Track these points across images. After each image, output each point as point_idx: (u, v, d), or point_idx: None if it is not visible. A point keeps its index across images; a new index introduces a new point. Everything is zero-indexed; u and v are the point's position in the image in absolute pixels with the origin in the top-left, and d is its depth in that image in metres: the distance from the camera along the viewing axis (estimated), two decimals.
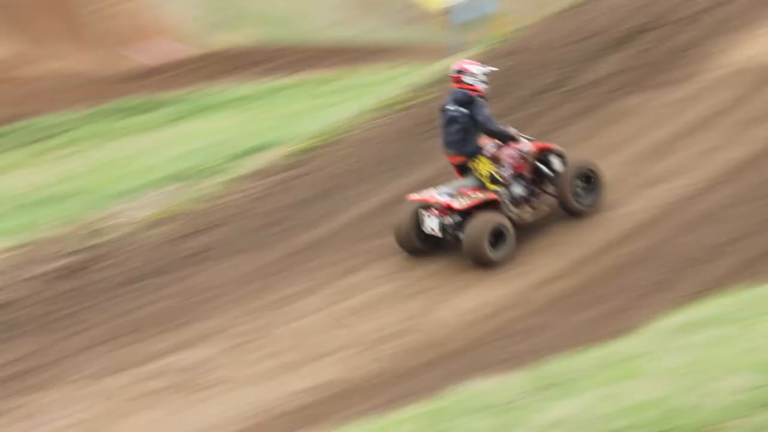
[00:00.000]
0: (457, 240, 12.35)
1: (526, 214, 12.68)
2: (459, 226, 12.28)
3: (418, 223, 12.53)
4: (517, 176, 12.67)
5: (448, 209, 12.25)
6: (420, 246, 12.70)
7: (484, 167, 12.37)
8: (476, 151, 12.43)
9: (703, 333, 6.85)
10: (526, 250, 12.74)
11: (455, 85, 12.52)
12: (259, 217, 15.07)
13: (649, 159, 14.12)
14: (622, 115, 15.30)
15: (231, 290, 13.22)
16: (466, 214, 12.23)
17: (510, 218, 12.40)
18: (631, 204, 13.15)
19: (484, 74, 12.61)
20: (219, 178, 16.53)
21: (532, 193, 12.82)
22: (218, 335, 12.24)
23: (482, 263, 12.21)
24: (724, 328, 6.80)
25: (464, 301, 12.04)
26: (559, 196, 12.70)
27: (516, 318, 11.44)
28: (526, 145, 12.74)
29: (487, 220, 12.11)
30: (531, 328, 10.99)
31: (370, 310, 12.23)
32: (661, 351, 6.63)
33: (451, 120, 12.40)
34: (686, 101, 15.20)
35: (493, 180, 12.40)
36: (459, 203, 12.20)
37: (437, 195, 12.38)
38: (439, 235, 12.40)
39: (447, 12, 28.58)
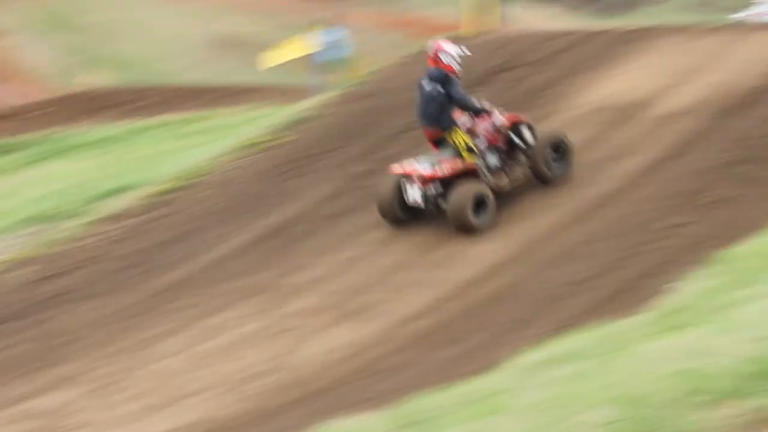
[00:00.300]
0: (439, 209, 12.96)
1: (503, 182, 13.38)
2: (441, 195, 12.86)
3: (400, 194, 13.07)
4: (492, 147, 13.32)
5: (430, 179, 12.78)
6: (402, 216, 13.31)
7: (460, 139, 12.92)
8: (452, 125, 12.97)
9: (562, 369, 6.94)
10: (390, 288, 12.84)
11: (432, 64, 13.13)
12: (119, 259, 14.89)
13: (508, 198, 14.29)
14: None
15: (91, 333, 12.99)
16: (448, 183, 12.78)
17: (489, 186, 13.04)
18: (491, 242, 13.30)
19: (459, 55, 13.22)
20: (78, 220, 16.30)
21: (505, 164, 13.47)
22: (79, 378, 11.98)
23: (466, 230, 12.84)
24: (582, 363, 6.90)
25: (329, 339, 12.03)
26: (534, 166, 13.43)
27: (380, 356, 11.45)
28: (499, 118, 13.36)
29: (469, 189, 12.72)
30: (395, 367, 11.00)
31: (233, 350, 12.14)
32: (523, 387, 6.69)
33: (427, 96, 12.99)
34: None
35: (470, 150, 12.96)
36: (441, 171, 12.77)
37: (419, 166, 12.91)
38: (422, 205, 12.99)
39: (310, 54, 28.68)
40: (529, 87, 17.26)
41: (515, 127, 13.60)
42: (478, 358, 10.00)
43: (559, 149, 13.61)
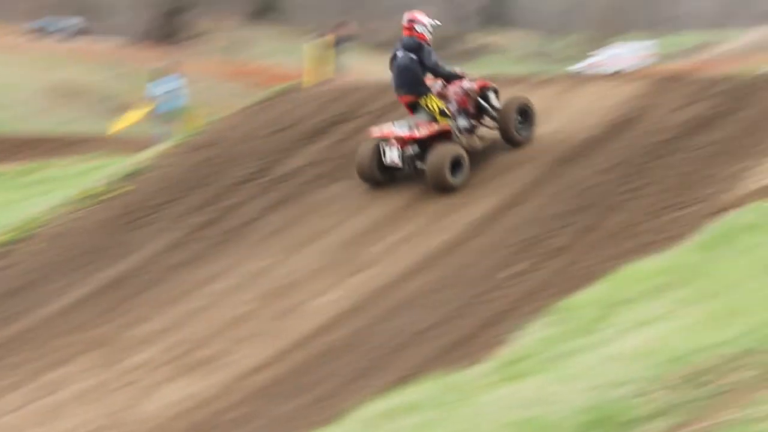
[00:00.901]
0: (416, 170, 13.84)
1: (475, 142, 14.33)
2: (418, 156, 13.72)
3: (379, 156, 13.85)
4: (462, 111, 14.12)
5: (408, 140, 13.57)
6: (380, 178, 14.17)
7: (433, 103, 13.66)
8: (425, 90, 13.69)
9: (407, 419, 6.97)
10: (234, 339, 12.73)
11: (406, 33, 13.75)
12: None
13: (351, 247, 14.36)
14: (323, 205, 15.56)
15: None
16: (424, 145, 13.61)
17: (463, 147, 13.89)
18: (334, 292, 13.32)
19: (431, 26, 13.89)
20: None
21: (474, 126, 14.39)
22: None
23: (444, 188, 13.75)
24: (426, 413, 6.93)
25: (170, 393, 11.82)
26: (504, 129, 14.32)
27: (223, 409, 11.30)
28: (469, 83, 14.13)
29: (446, 150, 13.55)
30: (238, 419, 10.87)
31: (72, 406, 11.83)
32: None
33: (402, 65, 13.65)
34: (381, 192, 15.55)
35: (443, 113, 13.75)
36: (418, 133, 13.55)
37: (396, 129, 13.72)
38: (400, 165, 13.81)
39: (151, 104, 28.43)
40: None
41: (483, 92, 14.36)
42: (323, 409, 9.97)
43: (525, 114, 14.52)
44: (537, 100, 16.26)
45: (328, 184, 16.02)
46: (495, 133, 14.84)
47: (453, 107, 14.05)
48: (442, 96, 14.02)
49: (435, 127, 13.71)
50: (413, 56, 13.57)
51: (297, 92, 19.78)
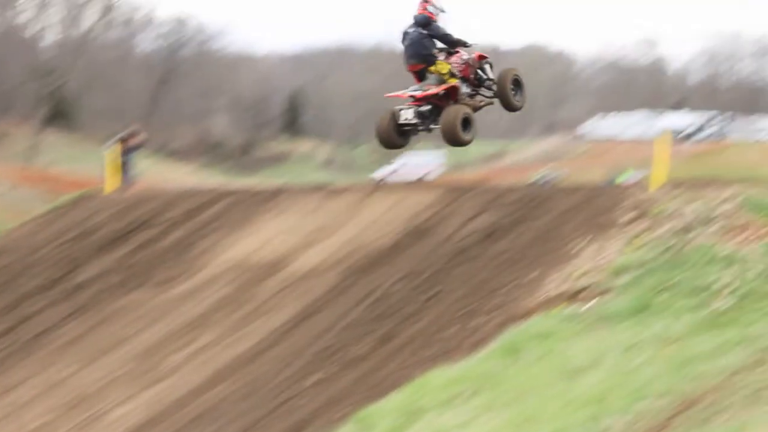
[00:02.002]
0: (429, 130, 14.90)
1: (478, 103, 15.13)
2: (430, 113, 14.63)
3: (396, 122, 14.81)
4: (463, 79, 14.95)
5: (420, 98, 14.57)
6: (398, 141, 15.42)
7: (443, 66, 14.60)
8: (434, 58, 14.62)
9: None
10: None
11: (420, 11, 14.69)
12: None
13: (150, 356, 14.10)
14: (122, 313, 15.28)
15: None
16: (435, 108, 14.59)
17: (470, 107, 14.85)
18: (132, 402, 13.02)
19: (441, 10, 14.86)
20: None
21: (474, 94, 15.15)
22: None
23: (457, 143, 14.97)
24: None
25: None
26: (502, 97, 15.16)
27: None
28: (467, 54, 14.92)
29: (457, 110, 14.54)
30: None
31: None
32: None
33: (413, 38, 14.64)
34: (182, 299, 15.43)
35: (452, 74, 14.70)
36: (431, 91, 14.54)
37: (409, 91, 14.75)
38: (414, 121, 14.67)
39: None
40: (165, 245, 17.23)
41: (480, 62, 15.17)
42: None
43: (517, 83, 15.29)
44: (335, 208, 16.42)
45: (127, 292, 15.77)
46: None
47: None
48: None
49: (444, 86, 14.71)
50: (423, 31, 14.63)
51: (95, 199, 19.50)
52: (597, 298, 11.81)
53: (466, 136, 14.82)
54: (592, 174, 68.03)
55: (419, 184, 33.20)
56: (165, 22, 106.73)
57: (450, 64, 14.79)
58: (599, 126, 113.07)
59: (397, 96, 15.01)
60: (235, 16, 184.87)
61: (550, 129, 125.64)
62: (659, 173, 16.48)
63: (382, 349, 13.03)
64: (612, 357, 9.28)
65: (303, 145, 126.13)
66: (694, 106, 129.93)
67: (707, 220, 14.24)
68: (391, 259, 15.52)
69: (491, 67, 15.48)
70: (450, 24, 14.75)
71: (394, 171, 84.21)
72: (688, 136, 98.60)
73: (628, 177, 43.28)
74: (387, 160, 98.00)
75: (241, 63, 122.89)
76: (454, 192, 17.62)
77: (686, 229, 13.87)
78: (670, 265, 12.63)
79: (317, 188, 19.82)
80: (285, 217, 17.78)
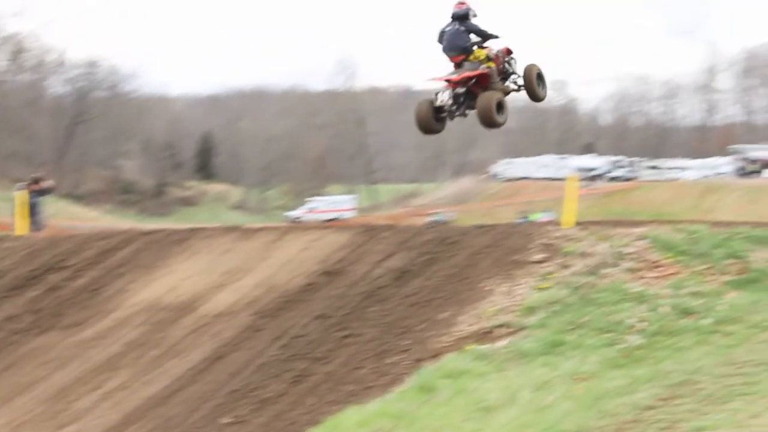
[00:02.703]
0: (465, 115, 16.01)
1: (509, 89, 16.24)
2: (465, 98, 15.79)
3: (433, 108, 15.87)
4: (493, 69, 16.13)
5: (457, 81, 15.68)
6: (436, 126, 16.21)
7: (480, 53, 15.90)
8: (471, 48, 15.92)
9: None
10: None
11: (458, 7, 16.01)
12: None
13: (59, 400, 13.87)
14: (31, 356, 15.02)
15: None
16: (468, 92, 15.73)
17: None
18: None
19: (474, 12, 16.14)
20: None
21: (502, 83, 16.25)
22: None
23: (492, 125, 15.87)
24: None
25: None
26: (529, 88, 16.38)
27: None
28: (498, 48, 16.14)
29: (492, 94, 15.69)
30: None
31: None
32: None
33: (452, 32, 15.91)
34: (94, 341, 15.24)
35: (488, 58, 15.96)
36: (467, 73, 15.72)
37: (447, 75, 15.85)
38: (450, 103, 15.71)
39: None
40: (76, 288, 17.02)
41: (508, 55, 16.36)
42: None
43: (540, 77, 16.61)
44: (248, 249, 16.34)
45: (37, 335, 15.55)
46: None
47: None
48: None
49: (479, 70, 15.88)
50: (460, 27, 15.90)
51: (4, 242, 19.38)
52: (510, 337, 11.89)
53: (500, 119, 15.96)
54: (505, 214, 68.81)
55: (332, 224, 33.24)
56: (76, 64, 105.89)
57: (486, 49, 16.15)
58: (511, 167, 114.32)
59: (436, 79, 15.98)
60: (148, 57, 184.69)
61: (461, 170, 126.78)
62: (570, 213, 16.69)
63: (294, 389, 12.94)
64: (525, 394, 9.33)
65: (216, 187, 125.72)
66: (605, 147, 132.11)
67: (618, 259, 14.44)
68: (303, 299, 15.47)
69: (515, 62, 16.69)
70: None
71: (308, 211, 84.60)
72: (599, 177, 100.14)
73: (540, 216, 43.83)
74: (299, 202, 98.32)
75: (153, 105, 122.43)
76: (367, 232, 17.65)
77: (597, 267, 14.06)
78: (582, 303, 12.77)
79: (230, 229, 19.72)
80: (197, 258, 17.67)
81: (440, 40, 16.17)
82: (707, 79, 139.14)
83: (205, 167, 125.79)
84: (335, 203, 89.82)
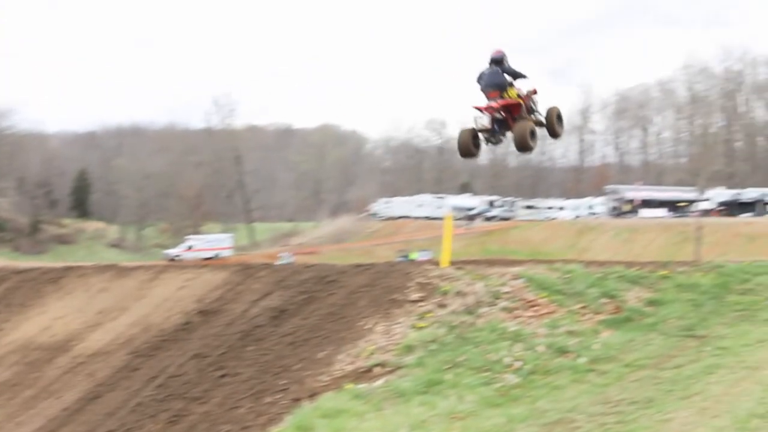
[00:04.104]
0: (500, 141, 17.63)
1: (538, 119, 17.79)
2: (500, 125, 17.44)
3: (474, 134, 17.42)
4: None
5: (497, 108, 17.25)
6: (475, 151, 17.62)
7: (512, 92, 17.47)
8: (507, 86, 17.53)
9: None
10: None
11: (497, 53, 17.81)
12: None
13: None
14: None
15: None
16: (502, 121, 17.39)
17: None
18: None
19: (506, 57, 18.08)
20: None
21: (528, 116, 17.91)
22: None
23: (526, 149, 17.38)
24: None
25: None
26: (549, 125, 18.04)
27: None
28: (527, 88, 17.71)
29: (526, 123, 17.40)
30: None
31: None
32: None
33: (492, 73, 17.54)
34: None
35: (519, 96, 17.50)
36: (504, 102, 17.26)
37: (488, 103, 17.32)
38: (489, 126, 17.33)
39: None
40: None
41: (533, 96, 17.98)
42: None
43: (559, 117, 18.45)
44: (125, 287, 16.12)
45: None
46: None
47: None
48: None
49: (515, 100, 17.53)
50: (498, 68, 17.62)
51: None
52: (387, 376, 11.89)
53: (533, 144, 17.70)
54: (384, 253, 69.08)
55: (210, 263, 32.98)
56: None
57: (517, 90, 17.85)
58: (390, 206, 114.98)
59: (477, 107, 17.43)
60: (24, 94, 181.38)
61: (339, 209, 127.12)
62: (447, 252, 16.84)
63: (171, 429, 12.79)
64: None
65: (92, 225, 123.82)
66: (481, 187, 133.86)
67: (494, 298, 14.60)
68: (180, 338, 15.32)
69: (539, 101, 18.47)
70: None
71: (187, 249, 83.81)
72: (476, 216, 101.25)
73: (418, 255, 44.04)
74: (178, 240, 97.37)
75: (28, 142, 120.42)
76: (244, 271, 17.57)
77: (474, 306, 14.18)
78: (459, 342, 12.85)
79: (106, 268, 19.45)
80: (72, 297, 17.41)
81: (479, 80, 18.06)
82: (581, 120, 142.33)
83: (81, 205, 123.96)
84: (214, 242, 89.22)
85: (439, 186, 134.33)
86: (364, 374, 12.04)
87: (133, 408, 13.48)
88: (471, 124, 18.07)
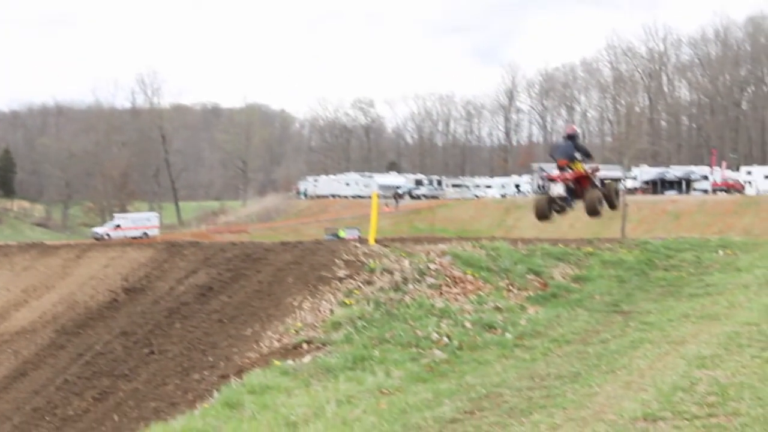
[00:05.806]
0: (572, 207, 19.73)
1: (604, 191, 20.17)
2: (571, 192, 19.58)
3: (550, 200, 19.50)
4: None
5: (568, 178, 19.48)
6: (549, 214, 19.75)
7: (579, 166, 19.68)
8: (575, 158, 19.77)
9: None
10: None
11: (571, 131, 20.65)
12: None
13: None
14: None
15: None
16: (572, 190, 19.60)
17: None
18: None
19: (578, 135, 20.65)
20: None
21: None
22: None
23: (596, 214, 19.51)
24: None
25: None
26: (608, 197, 20.29)
27: None
28: (593, 165, 20.17)
29: (596, 191, 19.67)
30: None
31: None
32: None
33: (565, 145, 19.95)
34: None
35: (585, 170, 19.70)
36: (575, 174, 19.48)
37: (563, 173, 19.63)
38: (564, 194, 19.46)
39: None
40: None
41: (595, 172, 20.26)
42: None
43: (617, 192, 21.20)
44: (50, 265, 15.97)
45: None
46: None
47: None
48: None
49: (584, 172, 19.76)
50: (570, 143, 19.95)
51: None
52: (315, 352, 11.93)
53: (602, 210, 19.86)
54: (312, 231, 69.06)
55: (136, 241, 32.74)
56: None
57: (584, 164, 19.95)
58: (317, 184, 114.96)
59: (551, 177, 19.71)
60: None
61: (266, 188, 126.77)
62: (374, 230, 16.88)
63: (98, 406, 12.74)
64: (331, 409, 9.37)
65: (17, 204, 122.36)
66: (409, 166, 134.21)
67: (421, 275, 14.68)
68: (106, 316, 15.23)
69: (599, 177, 20.59)
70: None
71: (114, 228, 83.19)
72: (403, 195, 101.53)
73: (346, 233, 44.12)
74: (104, 219, 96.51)
75: None
76: (170, 249, 17.47)
77: (401, 283, 14.25)
78: (387, 319, 12.92)
79: (30, 246, 19.25)
80: None
81: (552, 152, 20.59)
82: (507, 100, 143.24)
83: (5, 184, 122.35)
84: (141, 220, 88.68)
85: (367, 165, 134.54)
86: (291, 351, 12.07)
87: (60, 385, 13.38)
88: (548, 193, 20.08)
